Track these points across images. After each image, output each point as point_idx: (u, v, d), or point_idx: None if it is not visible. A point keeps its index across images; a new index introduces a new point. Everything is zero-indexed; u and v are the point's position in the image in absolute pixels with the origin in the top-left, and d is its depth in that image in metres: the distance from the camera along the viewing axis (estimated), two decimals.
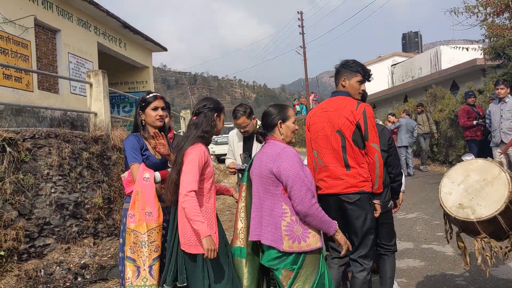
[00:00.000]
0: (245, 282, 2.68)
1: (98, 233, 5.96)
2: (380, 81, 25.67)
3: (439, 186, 3.06)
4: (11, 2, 8.02)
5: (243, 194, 2.82)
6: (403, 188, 3.60)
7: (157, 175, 2.89)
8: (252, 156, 3.84)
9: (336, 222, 2.59)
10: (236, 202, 2.99)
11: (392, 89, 22.63)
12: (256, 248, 2.73)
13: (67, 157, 5.64)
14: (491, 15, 8.79)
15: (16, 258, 4.77)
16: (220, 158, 15.81)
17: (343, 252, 2.67)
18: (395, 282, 3.58)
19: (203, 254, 2.48)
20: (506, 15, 8.80)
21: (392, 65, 26.51)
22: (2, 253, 4.58)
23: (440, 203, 3.02)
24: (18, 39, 8.08)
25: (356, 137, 2.94)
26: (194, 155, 2.60)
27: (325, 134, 3.01)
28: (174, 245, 2.66)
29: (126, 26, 11.90)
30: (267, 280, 2.85)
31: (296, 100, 29.62)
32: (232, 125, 15.47)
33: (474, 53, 11.64)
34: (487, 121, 7.21)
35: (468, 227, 2.93)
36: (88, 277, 5.02)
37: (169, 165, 2.95)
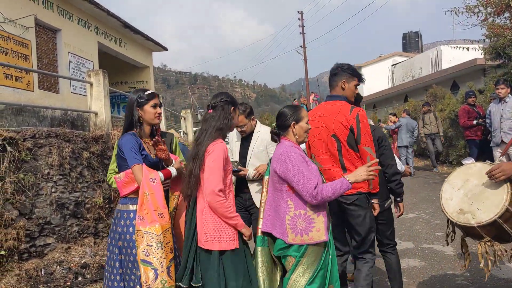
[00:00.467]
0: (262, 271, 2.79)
1: (98, 232, 5.96)
2: (380, 81, 25.68)
3: (440, 191, 3.06)
4: (12, 1, 8.02)
5: (266, 187, 2.93)
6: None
7: (161, 175, 2.88)
8: (248, 157, 3.86)
9: (345, 176, 2.66)
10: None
11: (392, 89, 22.63)
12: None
13: (68, 157, 5.65)
14: (492, 15, 8.79)
15: (16, 257, 4.78)
16: None
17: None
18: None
19: (219, 251, 2.59)
20: (506, 15, 8.80)
21: (392, 65, 26.51)
22: (3, 252, 4.58)
23: (441, 209, 3.02)
24: (19, 39, 8.09)
25: (350, 141, 3.08)
26: (218, 152, 2.65)
27: (321, 138, 3.14)
28: (192, 242, 2.68)
29: (126, 25, 11.91)
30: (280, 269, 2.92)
31: (296, 100, 29.60)
32: None
33: (474, 53, 11.64)
34: (488, 121, 7.21)
35: (470, 232, 2.93)
36: (88, 276, 5.03)
37: (164, 165, 2.98)
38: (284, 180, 2.65)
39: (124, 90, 12.41)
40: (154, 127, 3.05)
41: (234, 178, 3.76)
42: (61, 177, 5.51)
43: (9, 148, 4.89)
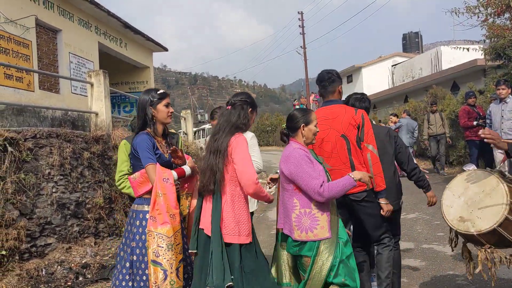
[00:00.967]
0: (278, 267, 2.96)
1: (99, 232, 5.97)
2: (380, 81, 25.71)
3: (441, 198, 3.06)
4: (12, 2, 8.03)
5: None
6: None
7: (175, 174, 2.89)
8: None
9: (349, 174, 2.79)
10: None
11: (392, 89, 22.66)
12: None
13: (68, 157, 5.65)
14: (492, 15, 8.78)
15: (17, 257, 4.79)
16: None
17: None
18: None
19: (240, 245, 2.66)
20: (506, 15, 8.79)
21: (392, 66, 26.54)
22: (4, 252, 4.59)
23: (442, 216, 3.03)
24: (19, 39, 8.10)
25: (357, 139, 3.24)
26: (244, 144, 2.73)
27: (329, 140, 3.27)
28: (219, 239, 2.64)
29: (127, 26, 11.91)
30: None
31: (296, 100, 29.58)
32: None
33: (474, 54, 11.65)
34: (488, 121, 7.21)
35: (471, 239, 2.93)
36: (89, 276, 5.03)
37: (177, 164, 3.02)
38: (290, 180, 2.79)
39: (124, 91, 12.43)
40: (166, 127, 3.09)
41: None
42: (61, 177, 5.52)
43: (10, 148, 4.89)
